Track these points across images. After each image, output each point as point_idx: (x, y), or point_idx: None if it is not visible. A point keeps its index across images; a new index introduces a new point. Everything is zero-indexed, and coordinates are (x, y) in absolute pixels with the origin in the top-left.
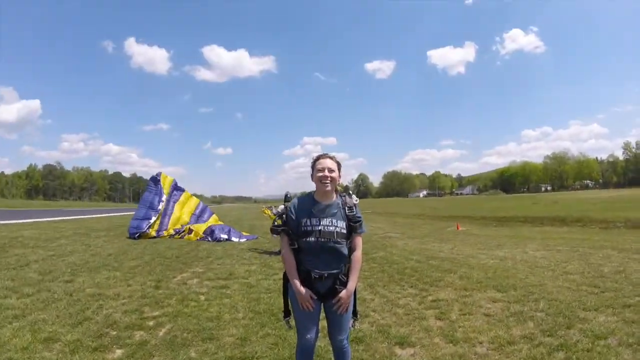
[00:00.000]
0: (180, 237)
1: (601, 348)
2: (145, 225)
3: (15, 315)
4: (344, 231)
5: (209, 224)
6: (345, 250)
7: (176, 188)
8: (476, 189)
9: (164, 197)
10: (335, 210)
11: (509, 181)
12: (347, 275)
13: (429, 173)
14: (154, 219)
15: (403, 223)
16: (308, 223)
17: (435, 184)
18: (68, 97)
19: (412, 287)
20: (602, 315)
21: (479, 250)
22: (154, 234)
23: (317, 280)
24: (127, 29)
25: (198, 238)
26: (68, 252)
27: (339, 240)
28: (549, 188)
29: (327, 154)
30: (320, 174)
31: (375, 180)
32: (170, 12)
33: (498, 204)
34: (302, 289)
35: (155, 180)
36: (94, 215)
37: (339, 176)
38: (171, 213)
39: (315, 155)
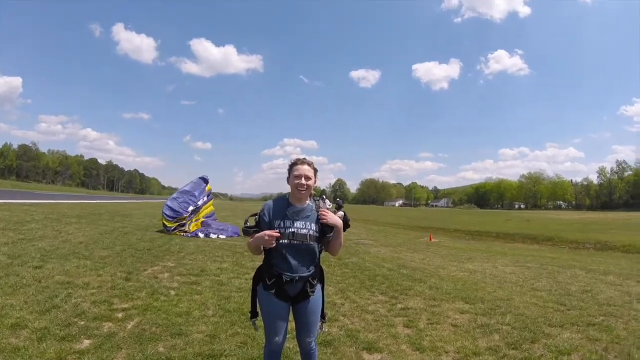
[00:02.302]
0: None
1: None
2: (186, 209)
3: None
4: (317, 234)
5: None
6: (316, 253)
7: (208, 195)
8: (451, 202)
9: (203, 200)
10: (309, 214)
11: (483, 197)
12: (316, 278)
13: (405, 183)
14: (191, 208)
15: (377, 230)
16: (282, 225)
17: (412, 195)
18: (50, 78)
19: (382, 294)
20: (566, 331)
21: (449, 262)
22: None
23: (288, 284)
24: (117, 14)
25: (190, 233)
26: (38, 237)
27: (310, 242)
28: (522, 206)
29: (305, 159)
30: (297, 180)
31: (353, 187)
32: (161, 2)
33: (471, 218)
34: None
35: (206, 180)
36: (66, 201)
37: (315, 182)
38: (195, 215)
39: (293, 158)
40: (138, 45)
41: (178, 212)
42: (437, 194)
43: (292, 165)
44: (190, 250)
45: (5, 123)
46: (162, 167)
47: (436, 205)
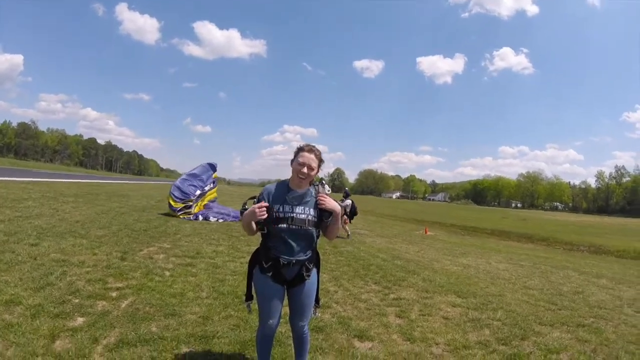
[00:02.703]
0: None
1: None
2: (193, 193)
3: None
4: (315, 219)
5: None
6: (314, 238)
7: (214, 181)
8: (448, 197)
9: (209, 186)
10: (308, 199)
11: (481, 193)
12: (312, 262)
13: (404, 176)
14: (198, 192)
15: (374, 221)
16: (281, 210)
17: (409, 187)
18: (52, 57)
19: (375, 283)
20: (556, 331)
21: (443, 256)
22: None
23: (285, 267)
24: None
25: (192, 215)
26: (35, 215)
27: (309, 228)
28: (519, 205)
29: (313, 147)
30: (300, 168)
31: (351, 177)
32: None
33: (468, 214)
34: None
35: (214, 168)
36: (64, 180)
37: (317, 172)
38: (200, 199)
39: (301, 144)
40: (141, 25)
41: (186, 194)
42: (434, 188)
43: (299, 150)
44: (186, 233)
45: (5, 101)
46: (161, 149)
47: (433, 199)
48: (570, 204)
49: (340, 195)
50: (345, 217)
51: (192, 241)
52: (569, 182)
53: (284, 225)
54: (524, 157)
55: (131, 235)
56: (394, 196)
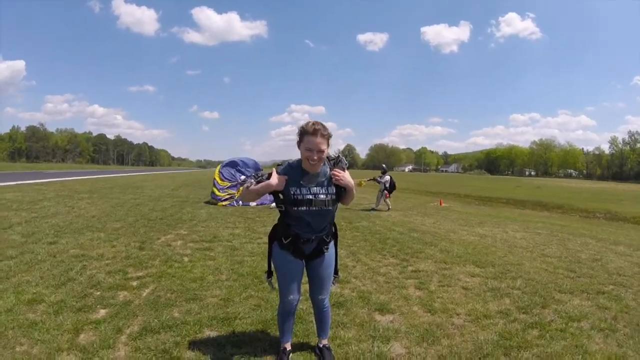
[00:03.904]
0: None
1: (574, 330)
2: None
3: None
4: (334, 197)
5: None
6: (333, 214)
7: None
8: (461, 168)
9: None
10: (323, 178)
11: (494, 163)
12: (330, 235)
13: (415, 148)
14: (242, 177)
15: (381, 193)
16: (298, 192)
17: (421, 160)
18: (53, 58)
19: (393, 257)
20: (576, 298)
21: (460, 227)
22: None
23: (304, 243)
24: None
25: (230, 203)
26: (51, 214)
27: (329, 207)
28: (532, 173)
29: (316, 127)
30: (308, 153)
31: (362, 152)
32: None
33: (482, 184)
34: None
35: (257, 165)
36: (77, 178)
37: (327, 150)
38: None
39: (304, 125)
40: (139, 17)
41: (234, 176)
42: (447, 159)
43: (303, 133)
44: (202, 218)
45: (12, 107)
46: (170, 139)
47: (446, 171)
48: (584, 171)
49: (378, 172)
50: (385, 191)
51: (208, 226)
52: (582, 149)
53: (304, 208)
54: (536, 125)
55: (148, 225)
56: (406, 169)
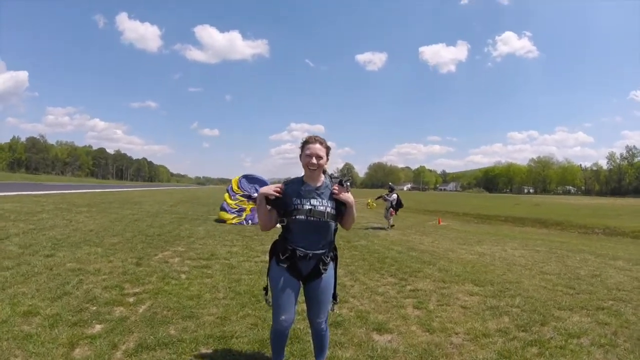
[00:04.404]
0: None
1: (574, 346)
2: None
3: None
4: (333, 211)
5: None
6: (332, 231)
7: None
8: (460, 186)
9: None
10: (323, 191)
11: (492, 181)
12: (330, 256)
13: (414, 167)
14: (255, 195)
15: (388, 211)
16: (298, 202)
17: (420, 178)
18: (56, 70)
19: (391, 276)
20: (576, 315)
21: (458, 245)
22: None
23: (301, 259)
24: (119, 4)
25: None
26: (49, 227)
27: (328, 220)
28: (531, 190)
29: (317, 137)
30: (308, 159)
31: (361, 171)
32: None
33: (480, 202)
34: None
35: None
36: (76, 191)
37: (327, 161)
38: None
39: (305, 136)
40: (142, 34)
41: (249, 190)
42: (445, 177)
43: (305, 143)
44: (200, 235)
45: (14, 117)
46: (170, 155)
47: (445, 189)
48: (583, 187)
49: (385, 190)
50: (391, 209)
51: (206, 244)
52: (580, 165)
53: (302, 217)
54: (533, 142)
55: (145, 240)
56: (405, 188)
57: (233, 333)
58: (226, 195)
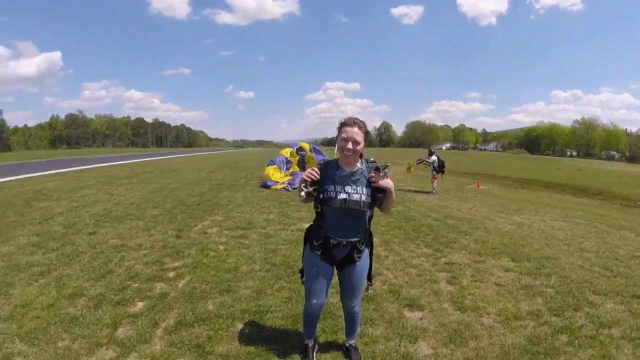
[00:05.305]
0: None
1: (604, 337)
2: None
3: (42, 272)
4: (369, 199)
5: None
6: (367, 219)
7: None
8: (500, 146)
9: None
10: (359, 177)
11: (534, 141)
12: (364, 243)
13: (453, 125)
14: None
15: (424, 176)
16: (332, 189)
17: (460, 138)
18: (89, 47)
19: (427, 246)
20: (610, 301)
21: (497, 213)
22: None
23: (335, 247)
24: None
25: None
26: (91, 202)
27: (363, 209)
28: (574, 154)
29: (356, 120)
30: (344, 144)
31: (399, 130)
32: None
33: (521, 164)
34: None
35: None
36: (117, 163)
37: (365, 145)
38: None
39: (343, 118)
40: (170, 2)
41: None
42: (486, 137)
43: (342, 125)
44: (238, 202)
45: (51, 96)
46: (207, 120)
47: (485, 149)
48: (627, 153)
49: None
50: (433, 172)
51: (243, 211)
52: (626, 129)
53: (337, 206)
54: (578, 102)
55: (185, 211)
56: (444, 147)
57: (268, 307)
58: (271, 169)
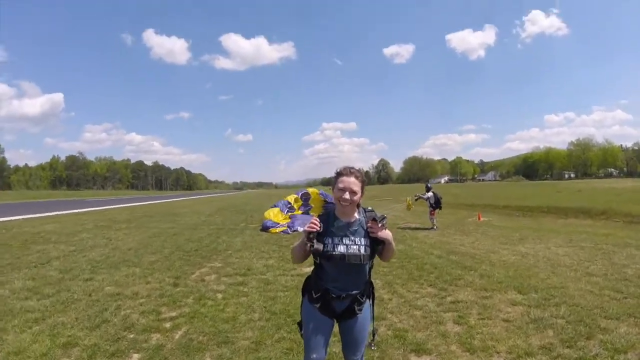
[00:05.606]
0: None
1: None
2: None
3: (36, 319)
4: (369, 251)
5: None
6: (367, 271)
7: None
8: (498, 175)
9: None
10: (357, 228)
11: (532, 167)
12: (365, 295)
13: (450, 158)
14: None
15: (424, 212)
16: (329, 242)
17: (457, 170)
18: (91, 90)
19: (431, 285)
20: (623, 325)
21: (500, 245)
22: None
23: (334, 300)
24: (143, 21)
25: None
26: (89, 247)
27: (364, 262)
28: (572, 175)
29: (352, 169)
30: (341, 194)
31: (396, 166)
32: (186, 1)
33: (521, 192)
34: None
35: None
36: (116, 206)
37: (362, 195)
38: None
39: (339, 168)
40: (170, 48)
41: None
42: (483, 167)
43: (338, 175)
44: (237, 248)
45: (52, 137)
46: (207, 162)
47: (483, 180)
48: (625, 169)
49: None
50: (430, 208)
51: (242, 257)
52: (621, 145)
53: (335, 260)
54: (571, 124)
55: (183, 257)
56: (442, 181)
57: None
58: (273, 211)
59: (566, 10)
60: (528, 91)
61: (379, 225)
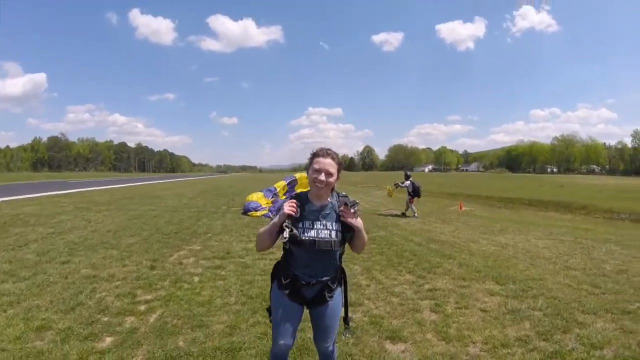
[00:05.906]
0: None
1: (596, 359)
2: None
3: (11, 302)
4: (340, 236)
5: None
6: (338, 257)
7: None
8: (482, 167)
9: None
10: (329, 212)
11: (515, 160)
12: (336, 282)
13: (435, 148)
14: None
15: (407, 199)
16: (301, 226)
17: (441, 159)
18: (74, 70)
19: (409, 272)
20: (600, 320)
21: (480, 235)
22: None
23: (304, 286)
24: (131, 0)
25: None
26: (67, 229)
27: (334, 248)
28: (555, 170)
29: (329, 151)
30: (315, 175)
31: (381, 153)
32: None
33: (503, 184)
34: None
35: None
36: (97, 188)
37: (337, 178)
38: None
39: (315, 149)
40: (156, 28)
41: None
42: (467, 158)
43: (313, 156)
44: (217, 231)
45: (35, 118)
46: (191, 145)
47: (467, 170)
48: (607, 166)
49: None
50: (409, 196)
51: (222, 240)
52: (605, 143)
53: (305, 245)
54: (556, 120)
55: (162, 240)
56: (426, 170)
57: (241, 344)
58: (256, 194)
59: (557, 7)
60: (515, 85)
61: (351, 211)
